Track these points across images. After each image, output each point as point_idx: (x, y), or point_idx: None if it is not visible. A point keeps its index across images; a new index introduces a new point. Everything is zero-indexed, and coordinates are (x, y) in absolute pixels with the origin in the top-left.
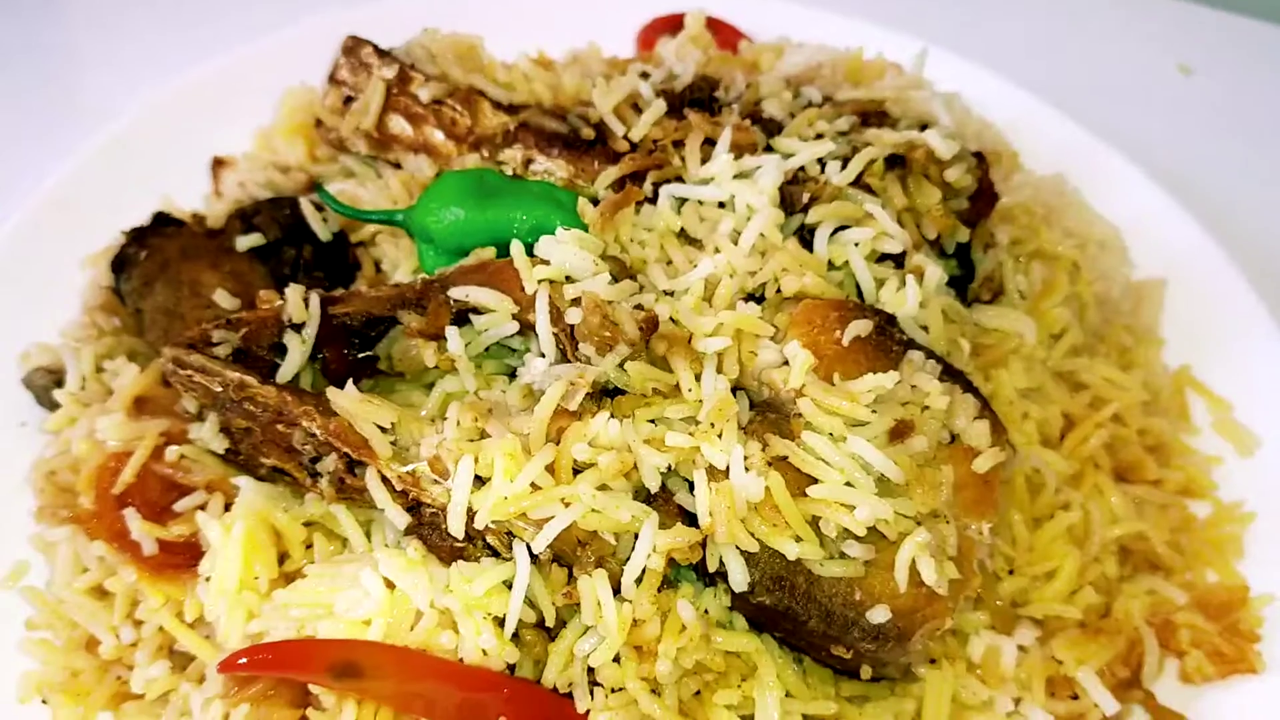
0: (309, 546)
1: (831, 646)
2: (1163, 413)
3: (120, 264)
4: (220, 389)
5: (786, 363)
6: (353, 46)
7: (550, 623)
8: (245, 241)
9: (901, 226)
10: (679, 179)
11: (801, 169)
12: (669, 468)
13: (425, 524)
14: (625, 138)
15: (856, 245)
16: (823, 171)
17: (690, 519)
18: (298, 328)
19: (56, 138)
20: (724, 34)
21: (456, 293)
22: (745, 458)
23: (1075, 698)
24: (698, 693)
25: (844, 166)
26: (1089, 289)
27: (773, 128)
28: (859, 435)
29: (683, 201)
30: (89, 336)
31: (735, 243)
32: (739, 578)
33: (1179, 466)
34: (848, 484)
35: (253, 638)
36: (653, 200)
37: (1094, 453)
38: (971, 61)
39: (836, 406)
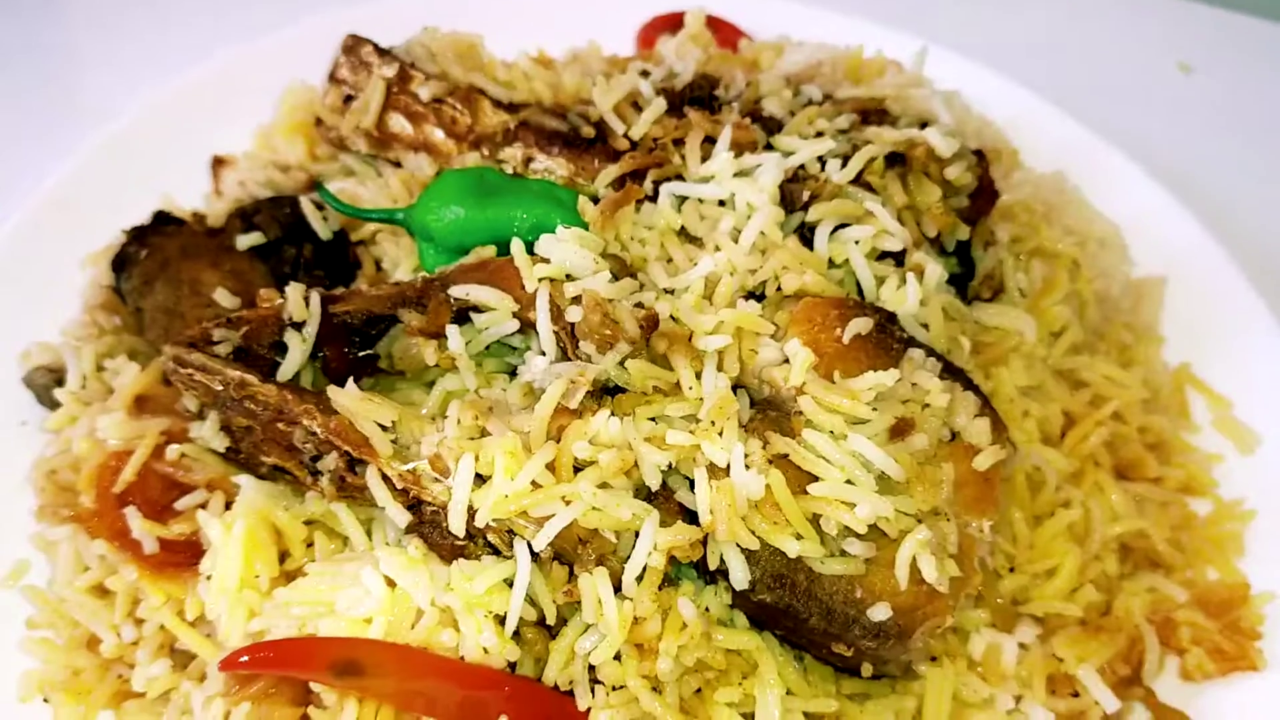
0: (310, 545)
1: (832, 644)
2: (1163, 410)
3: (121, 263)
4: (221, 387)
5: (787, 360)
6: (353, 45)
7: (551, 621)
8: (245, 240)
9: (902, 224)
10: (679, 177)
11: (802, 167)
12: (670, 466)
13: (426, 522)
14: (625, 136)
15: (857, 243)
16: (823, 169)
17: (691, 517)
18: (298, 326)
19: (56, 138)
20: (724, 32)
21: (457, 291)
22: (746, 455)
23: (1076, 695)
24: (698, 690)
25: (844, 164)
26: (1089, 287)
27: (773, 126)
28: (859, 433)
29: (683, 199)
30: (89, 335)
31: (735, 241)
32: (740, 575)
33: (1179, 464)
34: (848, 482)
35: (254, 636)
36: (653, 198)
37: (1094, 450)
38: (971, 59)
39: (837, 404)
